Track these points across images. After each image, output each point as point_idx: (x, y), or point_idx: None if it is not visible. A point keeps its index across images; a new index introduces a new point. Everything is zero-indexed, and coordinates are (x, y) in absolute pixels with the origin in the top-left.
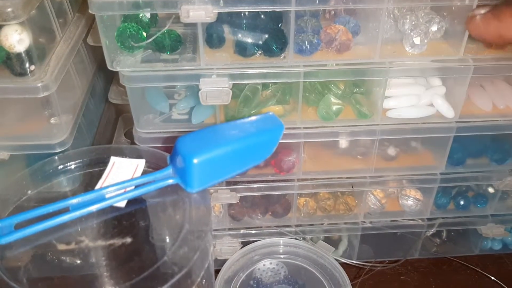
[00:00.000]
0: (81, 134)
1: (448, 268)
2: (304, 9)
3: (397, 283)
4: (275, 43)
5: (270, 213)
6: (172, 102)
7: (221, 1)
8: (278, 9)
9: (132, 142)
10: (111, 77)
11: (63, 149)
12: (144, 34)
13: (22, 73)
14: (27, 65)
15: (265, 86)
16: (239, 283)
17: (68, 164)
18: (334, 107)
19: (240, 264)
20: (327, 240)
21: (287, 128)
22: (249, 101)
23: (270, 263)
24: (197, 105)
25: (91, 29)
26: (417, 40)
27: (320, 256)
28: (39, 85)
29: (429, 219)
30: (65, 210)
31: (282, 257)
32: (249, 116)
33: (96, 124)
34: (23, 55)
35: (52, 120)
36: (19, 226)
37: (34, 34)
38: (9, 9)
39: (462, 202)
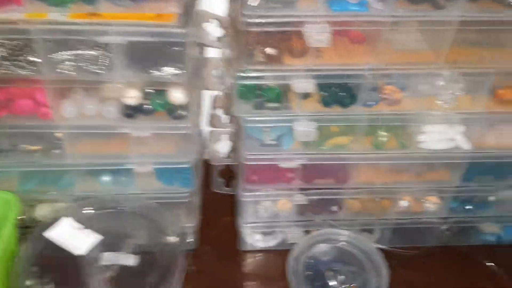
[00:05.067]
0: None
1: (454, 253)
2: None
3: (418, 264)
4: (349, 99)
5: (327, 210)
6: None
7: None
8: (353, 81)
9: None
10: None
11: (192, 166)
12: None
13: (179, 117)
14: (182, 112)
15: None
16: (302, 260)
17: None
18: (384, 139)
19: (303, 246)
20: (367, 230)
21: (350, 153)
22: (323, 134)
23: (326, 247)
24: (285, 135)
25: None
26: (445, 97)
27: (362, 242)
28: (189, 125)
29: (443, 218)
30: None
31: (334, 243)
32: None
33: None
34: (182, 106)
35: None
36: None
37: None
38: None
39: (469, 207)
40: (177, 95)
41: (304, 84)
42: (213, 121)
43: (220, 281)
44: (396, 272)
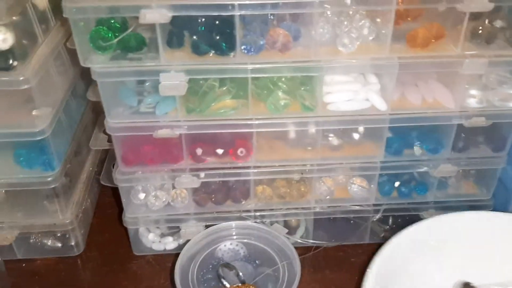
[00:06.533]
0: (61, 127)
1: None
2: (251, 14)
3: (347, 264)
4: (225, 43)
5: (230, 199)
6: (141, 99)
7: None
8: (223, 13)
9: (109, 139)
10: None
11: (43, 137)
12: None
13: (6, 68)
14: (10, 61)
15: (222, 84)
16: (200, 260)
17: None
18: (282, 102)
19: (202, 244)
20: (287, 227)
21: (241, 119)
22: (206, 96)
23: (231, 244)
24: (161, 100)
25: (72, 35)
26: (346, 41)
27: (274, 236)
28: (20, 78)
29: (374, 205)
30: None
31: (241, 238)
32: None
33: (77, 121)
34: (7, 52)
35: (34, 112)
36: None
37: (17, 35)
38: None
39: (404, 190)
40: None
41: (153, 15)
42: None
43: None
44: (318, 272)
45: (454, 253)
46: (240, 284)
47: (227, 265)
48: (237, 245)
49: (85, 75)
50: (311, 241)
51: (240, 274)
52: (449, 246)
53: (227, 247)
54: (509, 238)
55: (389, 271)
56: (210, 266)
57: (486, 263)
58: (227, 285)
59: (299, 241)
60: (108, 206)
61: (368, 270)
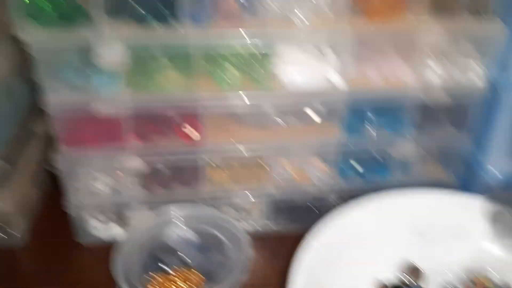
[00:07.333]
0: None
1: None
2: None
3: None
4: (167, 9)
5: (180, 182)
6: (81, 75)
7: None
8: None
9: None
10: None
11: None
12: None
13: None
14: None
15: (167, 59)
16: (144, 248)
17: None
18: (232, 77)
19: (147, 231)
20: (241, 212)
21: (188, 95)
22: (149, 69)
23: (179, 230)
24: (102, 76)
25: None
26: (299, 11)
27: (225, 221)
28: None
29: (335, 189)
30: None
31: (190, 223)
32: None
33: (22, 104)
34: None
35: None
36: None
37: None
38: None
39: (364, 172)
40: None
41: None
42: None
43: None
44: (274, 259)
45: (395, 234)
46: (184, 269)
47: (170, 250)
48: (186, 230)
49: None
50: (267, 227)
51: (187, 259)
52: (388, 227)
53: (175, 233)
54: (446, 217)
55: (322, 260)
56: (156, 253)
57: (430, 245)
58: (169, 271)
59: (255, 227)
60: (54, 194)
61: (296, 259)
